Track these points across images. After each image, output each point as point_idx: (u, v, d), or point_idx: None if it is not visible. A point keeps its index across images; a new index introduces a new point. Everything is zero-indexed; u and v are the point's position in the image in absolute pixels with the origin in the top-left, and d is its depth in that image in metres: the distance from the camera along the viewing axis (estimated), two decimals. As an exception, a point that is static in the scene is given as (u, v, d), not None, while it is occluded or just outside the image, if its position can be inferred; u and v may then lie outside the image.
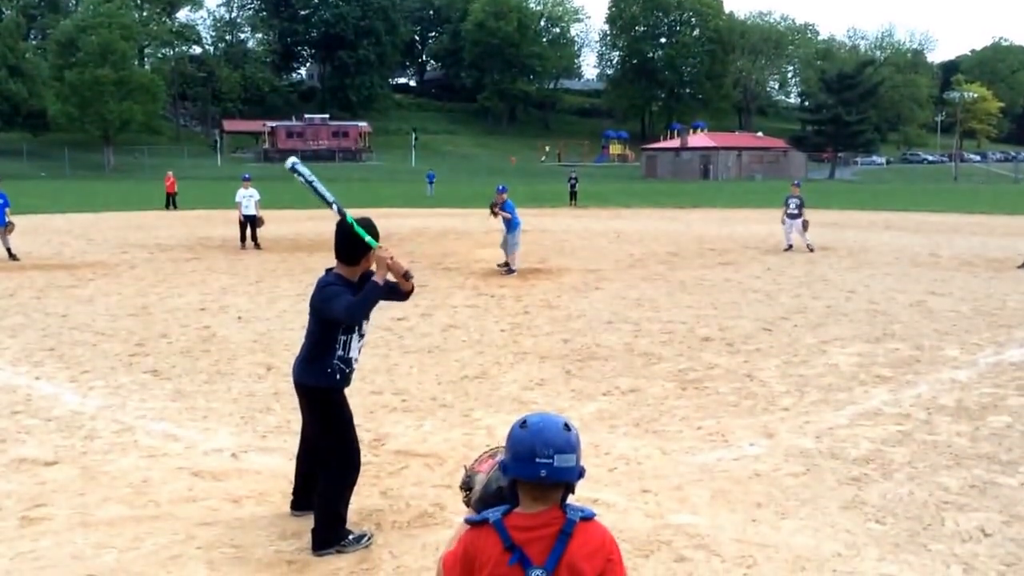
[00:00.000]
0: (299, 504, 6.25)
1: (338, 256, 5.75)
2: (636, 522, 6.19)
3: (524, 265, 20.78)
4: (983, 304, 15.70)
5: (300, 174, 5.68)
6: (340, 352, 5.69)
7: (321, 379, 5.71)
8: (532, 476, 3.26)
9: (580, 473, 3.35)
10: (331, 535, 5.76)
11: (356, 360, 5.85)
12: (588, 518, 3.33)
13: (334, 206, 5.64)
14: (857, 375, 10.47)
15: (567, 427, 3.34)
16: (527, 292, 17.23)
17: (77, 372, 10.69)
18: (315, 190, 5.69)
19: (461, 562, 3.32)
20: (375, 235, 5.66)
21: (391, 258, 5.51)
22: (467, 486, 4.17)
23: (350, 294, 5.52)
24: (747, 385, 10.05)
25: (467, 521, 3.41)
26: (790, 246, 25.09)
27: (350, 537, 5.80)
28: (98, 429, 8.39)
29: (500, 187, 21.11)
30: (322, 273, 5.81)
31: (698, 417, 8.79)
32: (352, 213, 5.61)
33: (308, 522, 6.00)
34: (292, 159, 5.78)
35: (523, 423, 3.35)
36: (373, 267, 5.63)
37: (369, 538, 5.86)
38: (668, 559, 5.61)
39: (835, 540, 5.88)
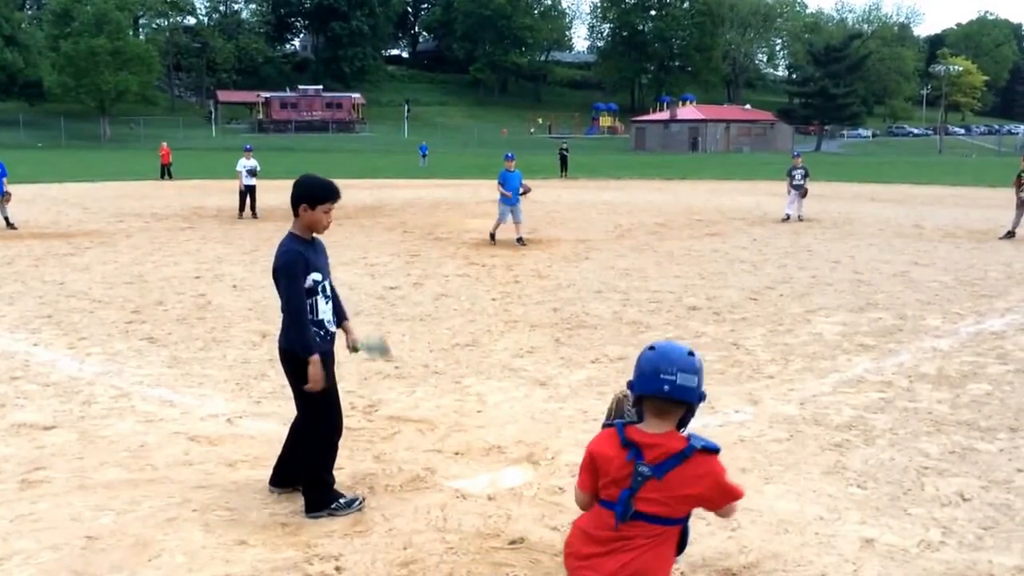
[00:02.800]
0: (278, 480, 6.22)
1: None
2: (623, 486, 6.27)
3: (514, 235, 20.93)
4: (965, 274, 15.84)
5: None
6: (310, 316, 5.66)
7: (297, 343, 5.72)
8: (656, 390, 3.54)
9: (701, 397, 3.62)
10: (320, 497, 5.81)
11: (330, 322, 5.81)
12: (710, 450, 3.60)
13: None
14: (841, 344, 10.58)
15: (691, 354, 3.60)
16: (517, 262, 17.30)
17: (74, 339, 10.76)
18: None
19: (588, 466, 3.72)
20: (334, 193, 5.70)
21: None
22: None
23: (301, 266, 5.58)
24: (733, 353, 10.15)
25: (603, 426, 3.88)
26: (787, 216, 25.24)
27: (341, 501, 5.84)
28: (96, 395, 8.46)
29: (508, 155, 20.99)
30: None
31: (684, 385, 8.86)
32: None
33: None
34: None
35: (651, 347, 3.64)
36: (322, 224, 5.75)
37: (361, 502, 5.91)
38: (654, 521, 5.69)
39: (817, 504, 5.97)
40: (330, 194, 5.67)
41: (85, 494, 6.11)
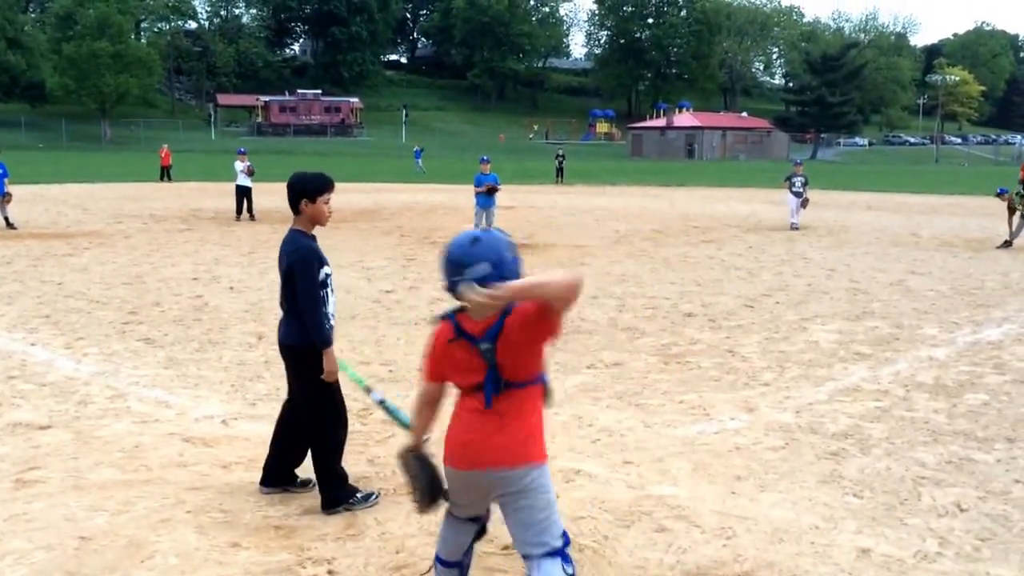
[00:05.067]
0: (269, 480, 6.21)
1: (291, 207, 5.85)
2: (618, 493, 6.25)
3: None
4: (962, 284, 15.84)
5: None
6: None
7: (307, 337, 5.72)
8: (455, 290, 3.90)
9: (500, 264, 3.94)
10: (337, 494, 5.85)
11: (333, 315, 5.89)
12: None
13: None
14: (837, 352, 10.56)
15: (475, 240, 3.96)
16: (513, 267, 17.25)
17: (72, 339, 10.76)
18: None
19: (432, 355, 4.18)
20: (330, 182, 5.83)
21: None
22: None
23: (316, 261, 5.70)
24: (729, 360, 10.14)
25: (437, 317, 4.18)
26: (795, 226, 25.21)
27: (358, 496, 5.91)
28: (92, 395, 8.46)
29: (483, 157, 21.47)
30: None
31: (680, 391, 8.86)
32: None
33: (295, 489, 6.12)
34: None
35: (446, 248, 4.01)
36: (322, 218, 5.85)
37: (376, 496, 5.98)
38: (649, 529, 5.67)
39: (813, 513, 5.94)
40: (327, 183, 5.84)
41: (79, 494, 6.10)
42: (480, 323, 3.97)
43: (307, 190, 5.75)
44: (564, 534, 4.15)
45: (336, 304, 6.01)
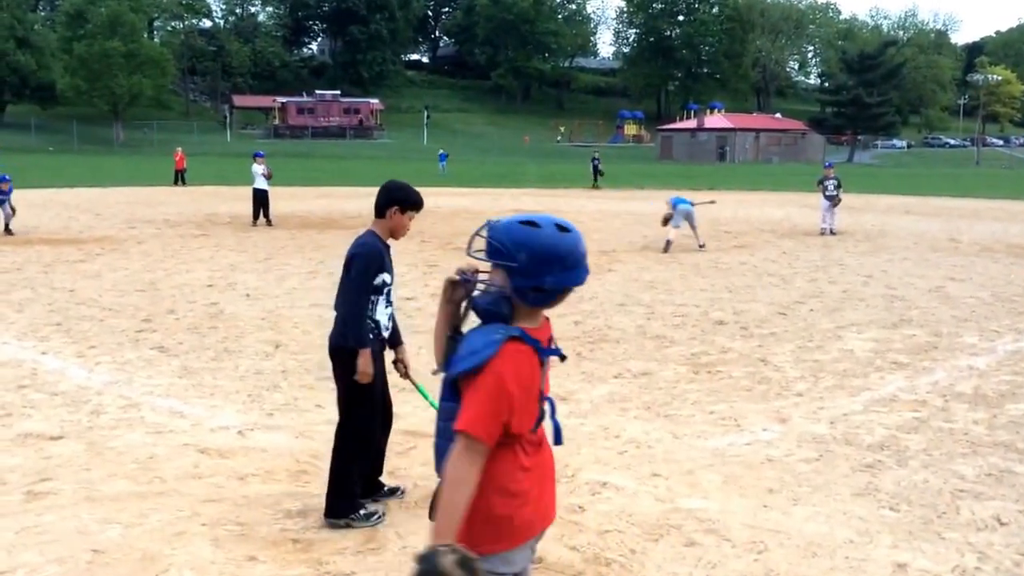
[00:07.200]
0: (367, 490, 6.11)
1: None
2: (646, 506, 6.15)
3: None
4: (1003, 290, 15.63)
5: None
6: (368, 312, 5.72)
7: (347, 339, 5.69)
8: (581, 282, 2.97)
9: (533, 277, 3.00)
10: (342, 504, 5.75)
11: (385, 327, 5.86)
12: None
13: None
14: (873, 361, 10.39)
15: (537, 225, 2.96)
16: (539, 272, 17.16)
17: (84, 347, 10.68)
18: None
19: (509, 406, 2.93)
20: (422, 201, 5.88)
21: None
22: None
23: (376, 262, 5.64)
24: (761, 370, 9.98)
25: (502, 337, 2.91)
26: (832, 231, 24.98)
27: (361, 512, 5.79)
28: (104, 404, 8.37)
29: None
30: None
31: (710, 401, 8.74)
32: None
33: (313, 501, 6.00)
34: None
35: (562, 227, 2.94)
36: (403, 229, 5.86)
37: (379, 517, 5.84)
38: (678, 543, 5.57)
39: (847, 527, 5.83)
40: (420, 201, 5.89)
41: (92, 506, 6.03)
42: (546, 337, 3.07)
43: (399, 199, 5.77)
44: None
45: (392, 318, 5.98)
